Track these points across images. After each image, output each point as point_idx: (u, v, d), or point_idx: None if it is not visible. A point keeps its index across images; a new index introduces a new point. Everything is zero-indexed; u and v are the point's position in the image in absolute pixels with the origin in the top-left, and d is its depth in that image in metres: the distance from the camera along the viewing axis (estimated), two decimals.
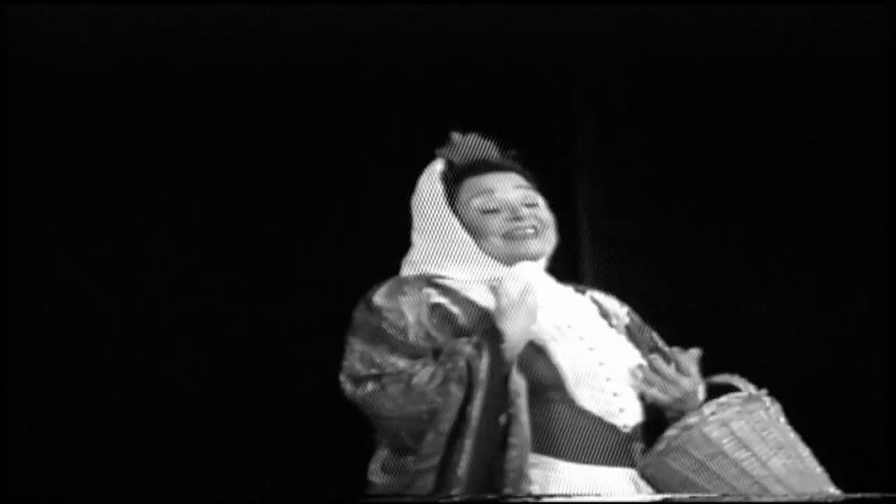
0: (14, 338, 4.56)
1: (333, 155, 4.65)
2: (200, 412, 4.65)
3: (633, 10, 4.56)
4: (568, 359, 2.98)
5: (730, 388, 3.02)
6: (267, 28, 4.55)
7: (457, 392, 2.82)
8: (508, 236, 3.04)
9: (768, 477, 2.83)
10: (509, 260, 3.04)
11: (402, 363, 2.92)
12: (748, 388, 3.02)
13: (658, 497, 2.93)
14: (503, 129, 3.23)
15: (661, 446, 2.88)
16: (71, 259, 4.65)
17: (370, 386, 2.91)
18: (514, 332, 2.89)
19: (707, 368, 4.93)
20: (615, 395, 2.99)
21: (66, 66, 4.60)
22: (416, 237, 3.12)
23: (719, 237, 4.83)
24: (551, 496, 2.90)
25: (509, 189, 3.09)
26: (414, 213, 3.14)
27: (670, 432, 2.88)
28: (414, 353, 2.94)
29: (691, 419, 2.87)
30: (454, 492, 2.78)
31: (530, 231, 3.06)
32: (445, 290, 3.07)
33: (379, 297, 3.01)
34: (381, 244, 3.39)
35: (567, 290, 3.20)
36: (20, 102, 4.57)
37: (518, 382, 2.87)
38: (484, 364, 2.82)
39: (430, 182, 3.10)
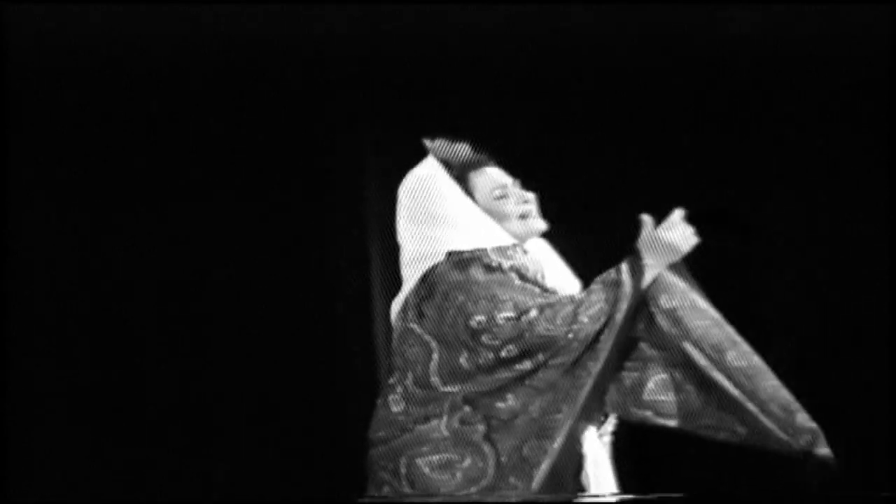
0: (13, 338, 4.58)
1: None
2: (199, 412, 4.66)
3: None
4: None
5: None
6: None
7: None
8: (524, 216, 3.38)
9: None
10: (522, 238, 3.38)
11: (542, 300, 3.26)
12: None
13: (654, 496, 3.30)
14: None
15: None
16: (69, 258, 4.66)
17: (533, 313, 3.22)
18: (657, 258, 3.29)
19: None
20: None
21: (64, 65, 4.61)
22: (428, 226, 3.36)
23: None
24: (548, 496, 3.19)
25: (505, 178, 3.41)
26: (420, 203, 3.37)
27: None
28: (542, 296, 3.28)
29: None
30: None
31: (536, 209, 3.42)
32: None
33: (495, 257, 3.30)
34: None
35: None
36: (20, 102, 4.58)
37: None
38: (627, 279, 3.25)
39: (439, 177, 3.37)
